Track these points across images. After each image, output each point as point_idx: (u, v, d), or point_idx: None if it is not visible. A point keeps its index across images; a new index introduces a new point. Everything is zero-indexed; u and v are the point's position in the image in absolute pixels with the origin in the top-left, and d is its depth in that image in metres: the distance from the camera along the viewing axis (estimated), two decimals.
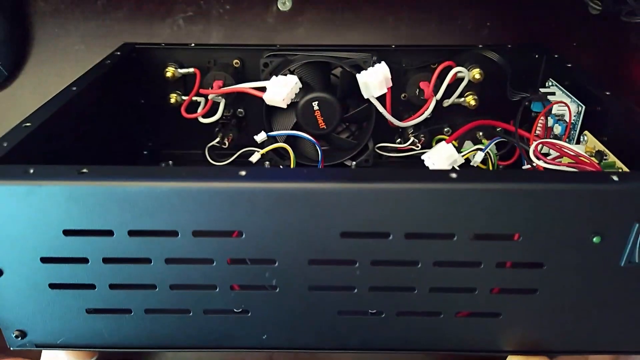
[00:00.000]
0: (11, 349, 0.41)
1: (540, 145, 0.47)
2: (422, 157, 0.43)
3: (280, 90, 0.48)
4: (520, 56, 0.62)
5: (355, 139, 0.66)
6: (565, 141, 0.55)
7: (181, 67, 0.63)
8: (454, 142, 0.66)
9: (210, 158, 0.67)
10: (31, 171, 0.35)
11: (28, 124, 0.42)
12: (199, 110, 0.59)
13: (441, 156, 0.42)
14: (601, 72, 0.65)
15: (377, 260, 0.37)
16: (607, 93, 0.50)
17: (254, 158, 0.56)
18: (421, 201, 0.35)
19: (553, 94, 0.56)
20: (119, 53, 0.60)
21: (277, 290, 0.39)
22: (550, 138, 0.57)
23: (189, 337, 0.41)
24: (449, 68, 0.60)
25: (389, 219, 0.36)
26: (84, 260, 0.37)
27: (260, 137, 0.53)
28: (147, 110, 0.66)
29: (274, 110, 0.64)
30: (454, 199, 0.35)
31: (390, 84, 0.54)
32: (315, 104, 0.61)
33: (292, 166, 0.57)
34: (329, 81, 0.64)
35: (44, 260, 0.37)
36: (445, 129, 0.68)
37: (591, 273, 0.38)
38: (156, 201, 0.35)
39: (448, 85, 0.60)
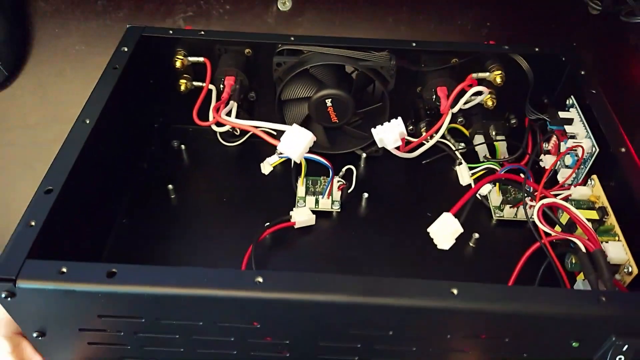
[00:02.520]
0: None
1: (546, 200, 0.48)
2: (428, 229, 0.45)
3: (295, 146, 0.48)
4: (544, 62, 0.59)
5: (366, 128, 0.66)
6: (574, 174, 0.55)
7: (190, 55, 0.61)
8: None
9: (222, 138, 0.67)
10: (64, 270, 0.38)
11: (50, 188, 0.44)
12: (211, 118, 0.58)
13: (446, 231, 0.43)
14: (601, 72, 0.63)
15: (380, 343, 0.42)
16: (623, 150, 0.49)
17: (266, 170, 0.57)
18: (423, 314, 0.39)
19: (570, 122, 0.55)
20: (125, 49, 0.57)
21: (288, 355, 0.44)
22: (560, 165, 0.57)
23: None
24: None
25: (393, 323, 0.40)
26: (118, 331, 0.42)
27: (273, 159, 0.54)
28: (157, 89, 0.64)
29: (286, 102, 0.63)
30: (452, 313, 0.39)
31: (405, 135, 0.53)
32: (328, 101, 0.60)
33: (302, 175, 0.58)
34: (343, 76, 0.62)
35: (82, 329, 0.42)
36: (459, 119, 0.67)
37: None
38: (180, 302, 0.39)
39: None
